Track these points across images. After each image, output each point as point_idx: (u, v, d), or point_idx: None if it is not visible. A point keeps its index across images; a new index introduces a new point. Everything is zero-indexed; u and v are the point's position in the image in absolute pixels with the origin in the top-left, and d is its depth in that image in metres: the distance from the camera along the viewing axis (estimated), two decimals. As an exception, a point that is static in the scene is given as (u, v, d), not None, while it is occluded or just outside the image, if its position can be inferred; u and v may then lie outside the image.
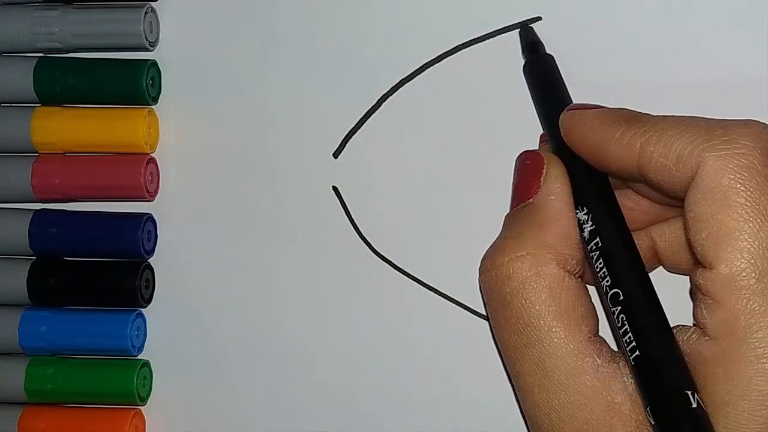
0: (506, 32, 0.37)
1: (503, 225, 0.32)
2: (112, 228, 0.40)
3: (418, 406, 0.38)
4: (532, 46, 0.36)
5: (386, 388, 0.38)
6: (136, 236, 0.39)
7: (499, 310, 0.31)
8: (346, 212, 0.39)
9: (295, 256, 0.39)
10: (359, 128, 0.39)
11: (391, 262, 0.38)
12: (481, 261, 0.32)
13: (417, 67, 0.38)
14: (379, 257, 0.38)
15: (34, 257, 0.40)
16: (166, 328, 0.40)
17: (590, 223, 0.30)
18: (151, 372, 0.40)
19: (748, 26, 0.36)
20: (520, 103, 0.37)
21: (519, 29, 0.37)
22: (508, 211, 0.33)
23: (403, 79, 0.38)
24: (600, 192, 0.31)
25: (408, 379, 0.38)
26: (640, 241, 0.33)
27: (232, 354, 0.40)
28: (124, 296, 0.39)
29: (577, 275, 0.31)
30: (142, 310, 0.40)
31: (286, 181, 0.39)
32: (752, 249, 0.26)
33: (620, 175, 0.31)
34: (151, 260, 0.40)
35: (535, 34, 0.36)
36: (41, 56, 0.39)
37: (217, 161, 0.40)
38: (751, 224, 0.26)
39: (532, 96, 0.36)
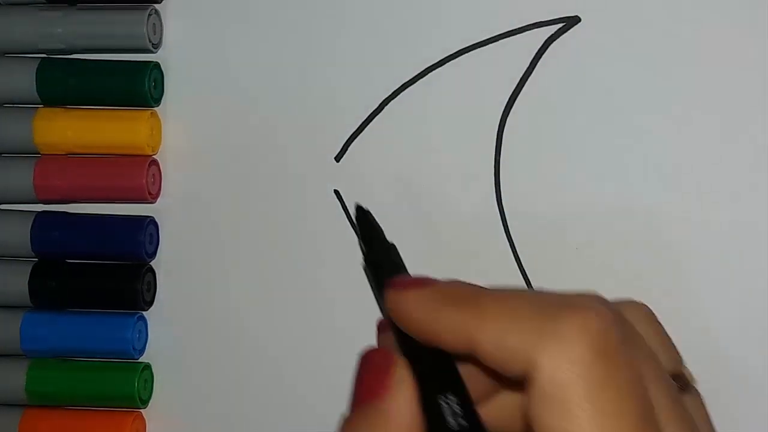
0: (507, 37, 0.37)
1: None
2: (113, 231, 0.40)
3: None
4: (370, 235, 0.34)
5: (387, 392, 0.38)
6: (138, 239, 0.39)
7: None
8: (347, 216, 0.39)
9: (296, 259, 0.39)
10: (361, 132, 0.39)
11: (392, 265, 0.38)
12: None
13: (419, 71, 0.38)
14: (381, 260, 0.38)
15: (36, 259, 0.40)
16: (167, 330, 0.40)
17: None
18: (152, 375, 0.40)
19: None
20: (520, 105, 0.37)
21: (355, 213, 0.34)
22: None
23: (405, 83, 0.38)
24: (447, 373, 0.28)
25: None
26: None
27: (233, 357, 0.40)
28: (125, 299, 0.39)
29: None
30: (144, 312, 0.40)
31: (288, 184, 0.39)
32: None
33: (456, 355, 0.28)
34: (152, 263, 0.40)
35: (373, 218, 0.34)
36: (44, 57, 0.39)
37: (219, 164, 0.40)
38: (593, 425, 0.24)
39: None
